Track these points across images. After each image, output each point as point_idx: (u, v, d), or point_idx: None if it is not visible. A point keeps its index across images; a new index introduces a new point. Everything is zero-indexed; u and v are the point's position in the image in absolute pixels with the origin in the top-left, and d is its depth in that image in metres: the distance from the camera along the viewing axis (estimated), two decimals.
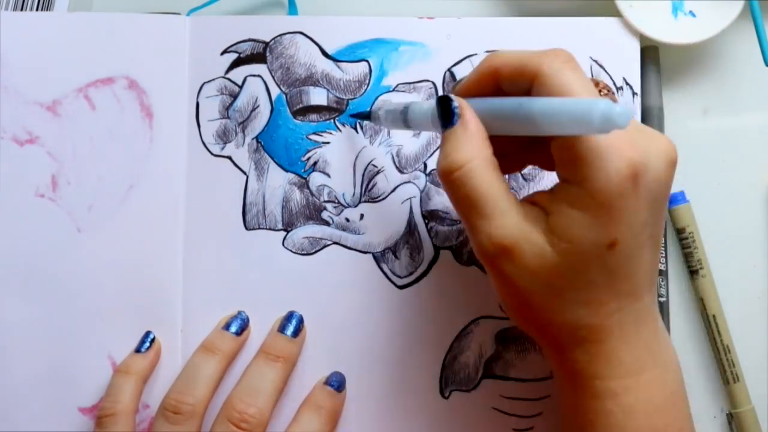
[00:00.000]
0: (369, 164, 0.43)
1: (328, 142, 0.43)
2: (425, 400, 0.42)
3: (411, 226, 0.42)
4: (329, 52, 0.43)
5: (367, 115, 0.41)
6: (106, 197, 0.42)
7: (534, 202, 0.32)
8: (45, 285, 0.42)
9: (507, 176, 0.39)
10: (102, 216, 0.42)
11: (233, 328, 0.41)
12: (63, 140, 0.42)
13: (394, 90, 0.43)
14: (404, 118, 0.36)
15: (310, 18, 0.43)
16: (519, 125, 0.30)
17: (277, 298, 0.42)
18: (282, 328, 0.41)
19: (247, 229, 0.42)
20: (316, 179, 0.43)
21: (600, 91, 0.40)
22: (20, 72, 0.43)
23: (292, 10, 0.45)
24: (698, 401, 0.43)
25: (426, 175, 0.43)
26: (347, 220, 0.42)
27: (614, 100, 0.40)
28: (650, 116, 0.43)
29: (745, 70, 0.45)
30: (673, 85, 0.45)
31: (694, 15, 0.43)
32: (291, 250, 0.42)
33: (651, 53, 0.44)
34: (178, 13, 0.44)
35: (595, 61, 0.42)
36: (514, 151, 0.35)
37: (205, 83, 0.43)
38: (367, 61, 0.43)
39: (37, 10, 0.44)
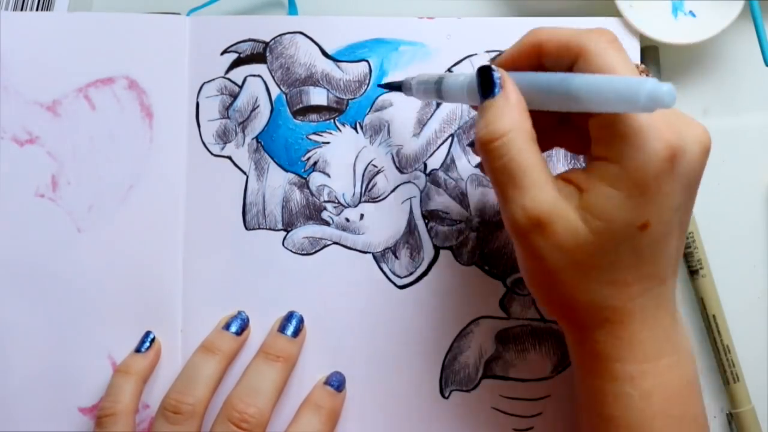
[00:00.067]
0: (369, 164, 0.43)
1: (328, 142, 0.43)
2: (425, 400, 0.42)
3: (411, 226, 0.42)
4: (329, 52, 0.43)
5: (398, 86, 0.40)
6: (106, 197, 0.42)
7: (568, 180, 0.32)
8: (45, 285, 0.42)
9: None
10: (102, 216, 0.42)
11: (233, 328, 0.41)
12: (63, 140, 0.42)
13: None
14: (437, 89, 0.36)
15: (310, 18, 0.43)
16: (560, 100, 0.30)
17: (277, 298, 0.42)
18: (282, 328, 0.41)
19: (247, 229, 0.42)
20: (316, 179, 0.43)
21: (641, 73, 0.40)
22: (20, 72, 0.43)
23: (292, 10, 0.45)
24: None
25: (426, 175, 0.43)
26: (347, 220, 0.42)
27: None
28: None
29: (745, 70, 0.45)
30: (673, 84, 0.45)
31: (694, 15, 0.43)
32: (291, 250, 0.42)
33: (651, 53, 0.44)
34: (178, 13, 0.44)
35: None
36: (541, 131, 0.35)
37: (205, 83, 0.43)
38: (367, 61, 0.43)
39: (37, 10, 0.44)
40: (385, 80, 0.43)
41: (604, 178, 0.30)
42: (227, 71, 0.43)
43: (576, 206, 0.31)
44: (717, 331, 0.43)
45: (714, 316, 0.43)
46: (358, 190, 0.42)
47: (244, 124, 0.43)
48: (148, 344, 0.41)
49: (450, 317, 0.42)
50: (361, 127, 0.43)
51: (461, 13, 0.45)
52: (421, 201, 0.42)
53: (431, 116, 0.43)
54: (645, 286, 0.32)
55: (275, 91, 0.43)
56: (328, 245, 0.42)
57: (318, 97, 0.43)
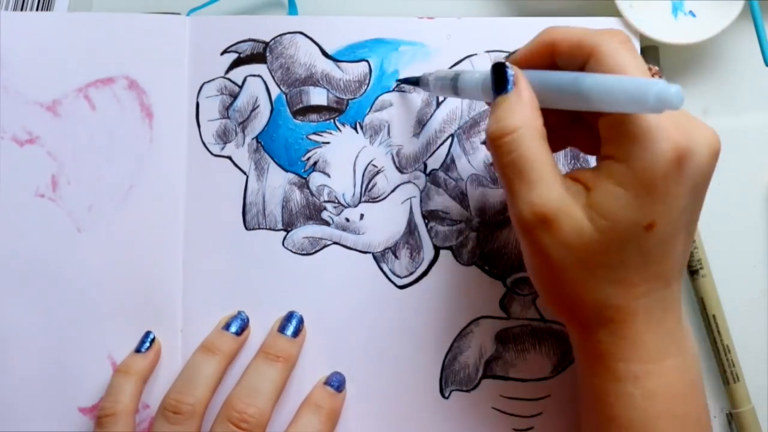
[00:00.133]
0: (369, 164, 0.43)
1: (328, 142, 0.43)
2: (425, 400, 0.42)
3: (411, 226, 0.42)
4: (329, 52, 0.43)
5: (416, 81, 0.41)
6: (106, 197, 0.42)
7: (576, 178, 0.32)
8: (45, 285, 0.42)
9: None
10: (102, 216, 0.42)
11: (233, 328, 0.41)
12: (63, 140, 0.42)
13: (394, 90, 0.43)
14: (454, 86, 0.37)
15: (310, 18, 0.43)
16: (572, 99, 0.30)
17: (277, 298, 0.42)
18: (282, 328, 0.41)
19: (247, 229, 0.42)
20: (316, 179, 0.43)
21: (653, 75, 0.40)
22: (20, 72, 0.43)
23: (292, 10, 0.45)
24: None
25: (426, 175, 0.43)
26: (347, 220, 0.42)
27: None
28: None
29: (745, 70, 0.45)
30: None
31: (694, 15, 0.43)
32: (291, 250, 0.42)
33: (651, 53, 0.44)
34: (178, 13, 0.44)
35: None
36: (554, 130, 0.35)
37: (205, 83, 0.43)
38: (367, 61, 0.43)
39: (37, 10, 0.44)
40: (402, 75, 0.43)
41: (611, 177, 0.31)
42: (227, 71, 0.43)
43: (583, 204, 0.31)
44: (717, 331, 0.43)
45: (714, 316, 0.43)
46: (358, 190, 0.42)
47: (244, 124, 0.43)
48: (148, 344, 0.41)
49: (450, 317, 0.42)
50: (361, 127, 0.43)
51: (461, 13, 0.45)
52: (421, 201, 0.42)
53: (431, 116, 0.43)
54: (651, 286, 0.32)
55: (275, 91, 0.43)
56: (328, 245, 0.42)
57: (318, 97, 0.43)
